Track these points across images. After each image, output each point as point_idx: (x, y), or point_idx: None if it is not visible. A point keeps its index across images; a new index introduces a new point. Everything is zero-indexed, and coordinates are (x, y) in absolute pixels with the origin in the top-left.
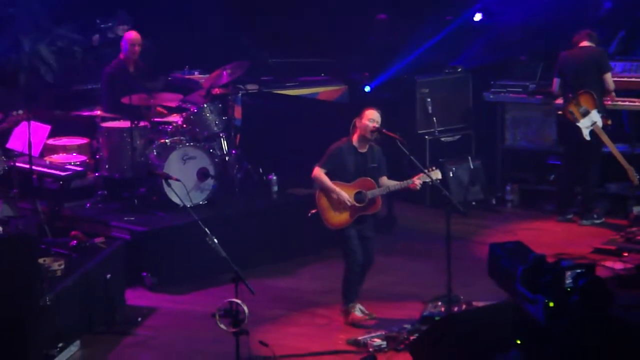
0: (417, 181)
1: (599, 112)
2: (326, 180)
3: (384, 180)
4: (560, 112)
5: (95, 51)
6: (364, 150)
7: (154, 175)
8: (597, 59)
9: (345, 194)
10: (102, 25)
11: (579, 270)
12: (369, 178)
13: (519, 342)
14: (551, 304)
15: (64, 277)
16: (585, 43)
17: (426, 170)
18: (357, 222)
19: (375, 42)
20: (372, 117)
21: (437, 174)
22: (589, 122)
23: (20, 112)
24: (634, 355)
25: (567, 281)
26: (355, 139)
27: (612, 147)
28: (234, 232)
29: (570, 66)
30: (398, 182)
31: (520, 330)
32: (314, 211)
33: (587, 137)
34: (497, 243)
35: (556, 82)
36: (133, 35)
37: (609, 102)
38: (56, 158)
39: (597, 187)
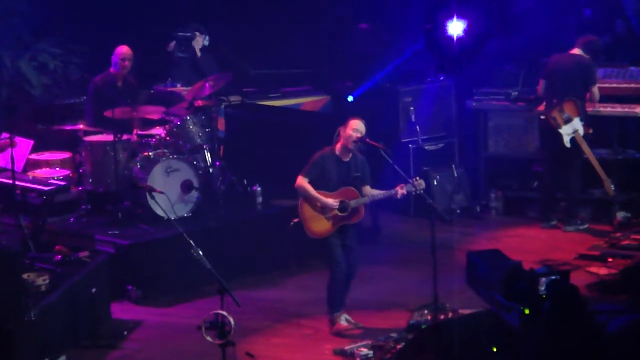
0: (401, 191)
1: (581, 120)
2: (310, 188)
3: (367, 189)
4: (543, 117)
5: (170, 56)
6: (347, 159)
7: (138, 188)
8: (585, 69)
9: (330, 199)
10: (181, 34)
11: (553, 277)
12: (352, 187)
13: (495, 349)
14: (526, 311)
15: (48, 292)
16: (576, 50)
17: (410, 180)
18: (339, 231)
19: (357, 51)
20: (356, 127)
21: (421, 184)
22: (571, 129)
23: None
24: None
25: (542, 288)
26: (338, 148)
27: (591, 156)
28: (219, 243)
29: (558, 71)
30: (381, 192)
31: (495, 337)
32: (296, 220)
33: (568, 144)
34: (474, 251)
35: (542, 84)
36: (124, 50)
37: (591, 109)
38: (39, 173)
39: (580, 193)
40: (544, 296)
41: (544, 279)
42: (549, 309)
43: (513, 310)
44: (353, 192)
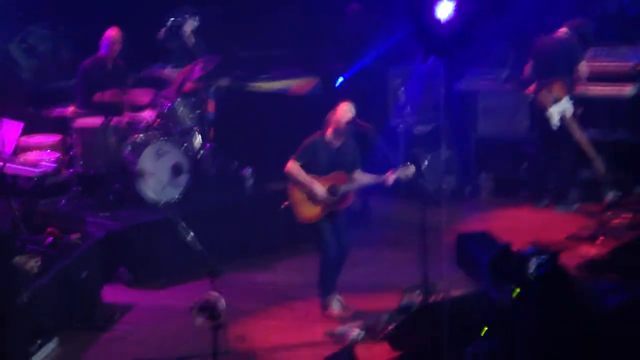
0: (391, 177)
1: (570, 99)
2: (301, 172)
3: (358, 174)
4: (533, 97)
5: (161, 44)
6: (337, 144)
7: (128, 171)
8: (569, 49)
9: (319, 187)
10: (172, 18)
11: (542, 257)
12: (343, 172)
13: (485, 330)
14: (516, 292)
15: (40, 274)
16: (563, 30)
17: (400, 166)
18: (329, 215)
19: (347, 32)
20: (346, 109)
21: (411, 169)
22: (560, 109)
23: None
24: (599, 342)
25: (531, 269)
26: (329, 133)
27: (580, 135)
28: (209, 226)
29: (544, 52)
30: (372, 176)
31: (486, 318)
32: (286, 203)
33: (557, 124)
34: (464, 233)
35: (529, 66)
36: (114, 32)
37: (580, 89)
38: (30, 155)
39: (570, 173)
40: (534, 277)
41: (533, 260)
42: (538, 290)
43: (503, 291)
44: (344, 176)
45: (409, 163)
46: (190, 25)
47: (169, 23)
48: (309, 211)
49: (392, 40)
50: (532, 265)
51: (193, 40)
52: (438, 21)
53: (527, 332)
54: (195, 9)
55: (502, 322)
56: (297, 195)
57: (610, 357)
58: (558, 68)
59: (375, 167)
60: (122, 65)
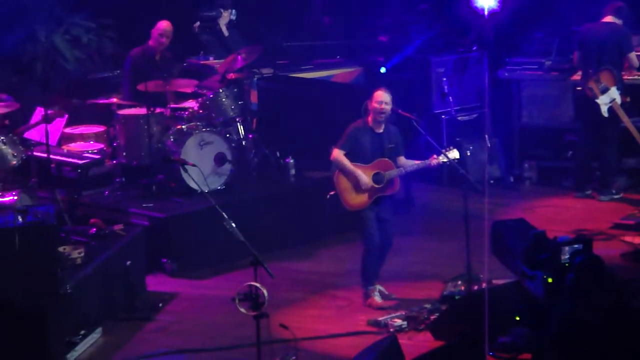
0: (435, 160)
1: (618, 89)
2: (346, 161)
3: (402, 160)
4: (579, 88)
5: (196, 37)
6: (380, 130)
7: (171, 161)
8: (620, 37)
9: (365, 177)
10: (206, 14)
11: (576, 246)
12: (387, 159)
13: (517, 318)
14: (550, 280)
15: (84, 265)
16: (609, 18)
17: (443, 150)
18: (375, 203)
19: (391, 21)
20: (380, 99)
21: (454, 154)
22: (608, 99)
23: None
24: (632, 335)
25: (565, 257)
26: (370, 120)
27: (629, 124)
28: (252, 216)
29: (591, 41)
30: (416, 162)
31: (519, 307)
32: (332, 193)
33: (606, 114)
34: (499, 220)
35: (577, 55)
36: (163, 25)
37: (629, 77)
38: (74, 146)
39: (615, 163)
40: (567, 265)
41: (567, 248)
42: (572, 278)
43: (537, 280)
44: (388, 163)
45: (452, 147)
46: (225, 18)
47: (204, 14)
48: (355, 199)
49: (436, 31)
50: (566, 253)
51: (227, 33)
52: (481, 11)
53: (560, 321)
54: (231, 2)
55: (534, 311)
56: (344, 184)
57: None
58: (607, 56)
59: (419, 156)
60: (170, 57)
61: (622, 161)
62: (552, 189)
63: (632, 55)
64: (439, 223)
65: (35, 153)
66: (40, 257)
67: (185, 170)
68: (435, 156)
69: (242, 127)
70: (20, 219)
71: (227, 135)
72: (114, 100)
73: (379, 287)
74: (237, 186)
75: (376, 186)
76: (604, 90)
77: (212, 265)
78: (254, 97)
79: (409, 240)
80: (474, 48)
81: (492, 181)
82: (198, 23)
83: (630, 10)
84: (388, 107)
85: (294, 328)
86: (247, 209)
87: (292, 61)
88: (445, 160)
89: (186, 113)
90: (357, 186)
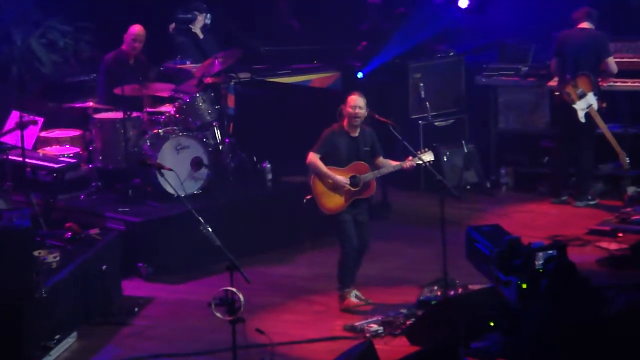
0: (409, 162)
1: (595, 94)
2: (321, 165)
3: (380, 160)
4: (556, 93)
5: (171, 39)
6: (355, 134)
7: (148, 165)
8: (597, 43)
9: (341, 177)
10: (181, 16)
11: (550, 252)
12: (363, 162)
13: (492, 324)
14: (524, 286)
15: (59, 269)
16: (584, 24)
17: (418, 153)
18: (352, 206)
19: (368, 26)
20: (354, 104)
21: (429, 156)
22: (585, 104)
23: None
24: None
25: (539, 263)
26: (345, 124)
27: (605, 130)
28: (229, 220)
29: (569, 47)
30: (392, 163)
31: (493, 312)
32: (309, 197)
33: (582, 119)
34: (473, 226)
35: (555, 62)
36: (136, 30)
37: (604, 84)
38: (49, 150)
39: (591, 169)
40: (541, 271)
41: (541, 254)
42: (546, 284)
43: (511, 285)
44: (364, 166)
45: (426, 149)
46: (200, 21)
47: (179, 16)
48: (332, 202)
49: (413, 36)
50: (540, 259)
51: (202, 36)
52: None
53: (534, 327)
54: (206, 6)
55: (508, 316)
56: (320, 188)
57: (615, 356)
58: (584, 62)
59: (396, 160)
60: (144, 61)
61: (598, 167)
62: (529, 195)
63: (611, 59)
64: (415, 228)
65: (10, 157)
66: (15, 261)
67: (162, 175)
68: (410, 158)
69: (218, 131)
70: None
71: (204, 140)
72: (90, 104)
73: (355, 292)
74: (214, 190)
75: (352, 189)
76: (582, 96)
77: (188, 269)
78: (231, 101)
79: (386, 245)
80: (451, 53)
81: (468, 187)
82: (173, 25)
83: (609, 16)
84: (362, 111)
85: (270, 333)
86: (223, 214)
87: (270, 66)
88: (419, 162)
89: (163, 117)
90: (334, 189)
